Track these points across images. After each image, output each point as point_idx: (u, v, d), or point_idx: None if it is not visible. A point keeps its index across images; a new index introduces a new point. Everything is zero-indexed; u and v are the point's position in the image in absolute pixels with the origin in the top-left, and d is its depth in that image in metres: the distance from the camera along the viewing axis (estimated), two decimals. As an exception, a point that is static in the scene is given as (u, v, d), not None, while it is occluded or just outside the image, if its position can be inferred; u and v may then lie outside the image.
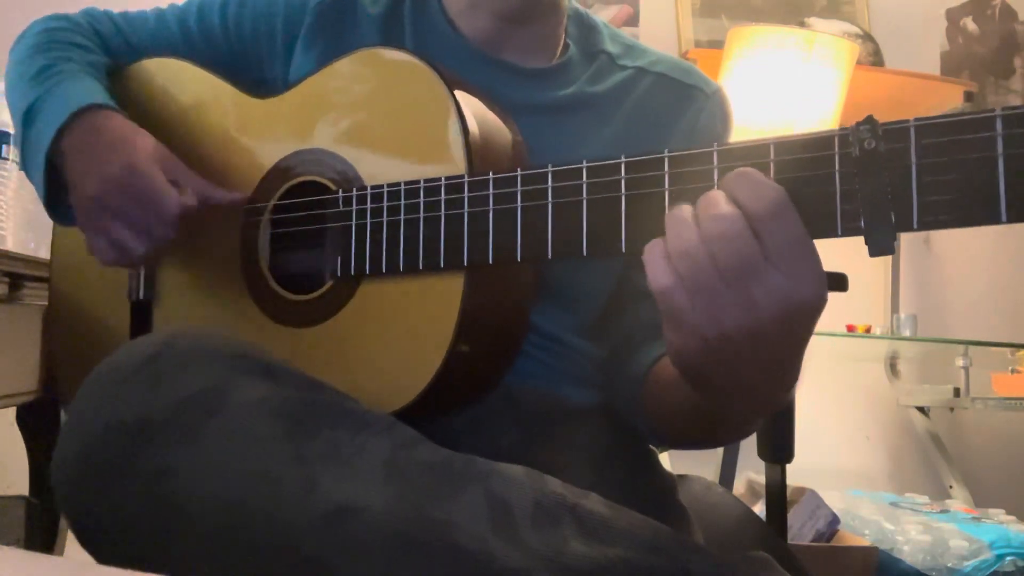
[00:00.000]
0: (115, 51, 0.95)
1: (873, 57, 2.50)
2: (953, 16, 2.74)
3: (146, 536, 0.56)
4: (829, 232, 0.54)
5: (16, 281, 1.01)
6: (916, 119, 0.52)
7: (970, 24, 2.73)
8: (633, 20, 2.51)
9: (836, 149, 0.54)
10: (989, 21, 2.73)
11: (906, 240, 2.59)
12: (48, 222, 1.00)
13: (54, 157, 0.82)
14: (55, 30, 0.92)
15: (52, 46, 0.89)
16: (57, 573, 0.37)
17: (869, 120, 0.53)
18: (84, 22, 0.95)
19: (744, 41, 2.06)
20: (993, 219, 0.50)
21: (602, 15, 2.46)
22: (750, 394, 0.59)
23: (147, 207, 0.78)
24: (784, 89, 2.00)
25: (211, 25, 0.93)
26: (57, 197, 0.85)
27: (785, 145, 0.55)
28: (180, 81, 0.92)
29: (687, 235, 0.53)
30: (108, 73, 0.92)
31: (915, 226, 0.51)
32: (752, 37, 2.05)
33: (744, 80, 2.04)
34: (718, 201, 0.53)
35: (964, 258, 2.63)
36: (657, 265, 0.54)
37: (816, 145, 0.54)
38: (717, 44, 2.32)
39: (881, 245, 0.52)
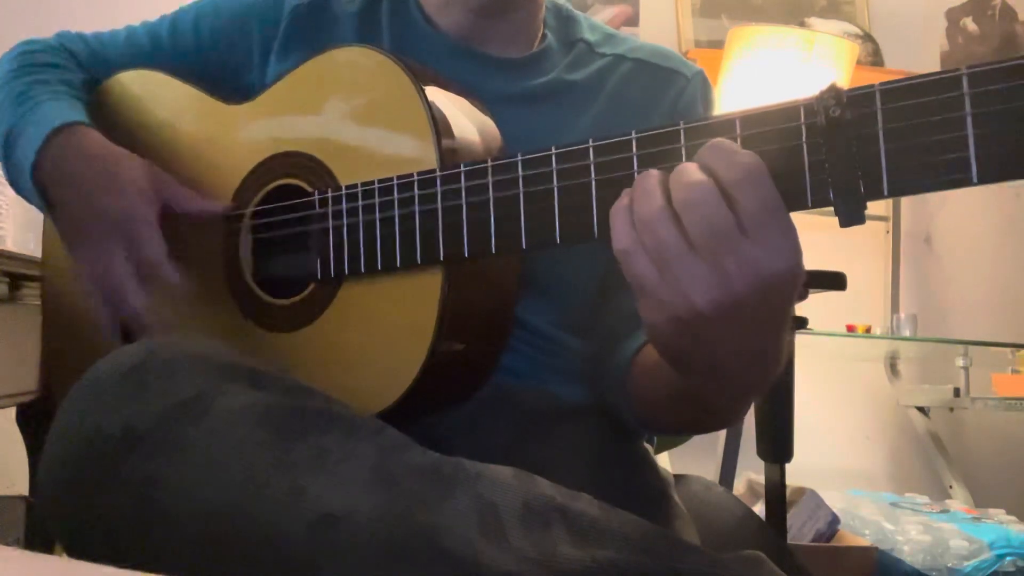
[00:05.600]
0: (90, 69, 0.96)
1: (873, 57, 2.50)
2: (953, 16, 2.75)
3: (132, 545, 0.56)
4: (799, 204, 0.53)
5: (16, 281, 1.01)
6: (881, 83, 0.51)
7: (970, 24, 2.73)
8: (633, 20, 2.51)
9: (802, 119, 0.53)
10: (989, 21, 2.74)
11: (906, 240, 2.59)
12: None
13: (39, 181, 0.83)
14: (29, 53, 0.93)
15: (27, 70, 0.90)
16: (57, 573, 0.37)
17: (833, 87, 0.52)
18: (57, 44, 0.96)
19: (744, 41, 2.06)
20: (964, 181, 0.48)
21: (602, 15, 2.47)
22: (730, 376, 0.58)
23: (131, 250, 0.79)
24: (784, 89, 2.00)
25: (185, 38, 0.93)
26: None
27: (752, 119, 0.54)
28: (155, 91, 0.92)
29: (649, 203, 0.53)
30: (87, 88, 0.93)
31: (885, 193, 0.50)
32: (752, 37, 2.05)
33: (744, 80, 2.04)
34: (689, 170, 0.52)
35: (964, 258, 2.63)
36: (620, 227, 0.54)
37: (782, 116, 0.54)
38: (717, 44, 2.32)
39: (851, 215, 0.51)
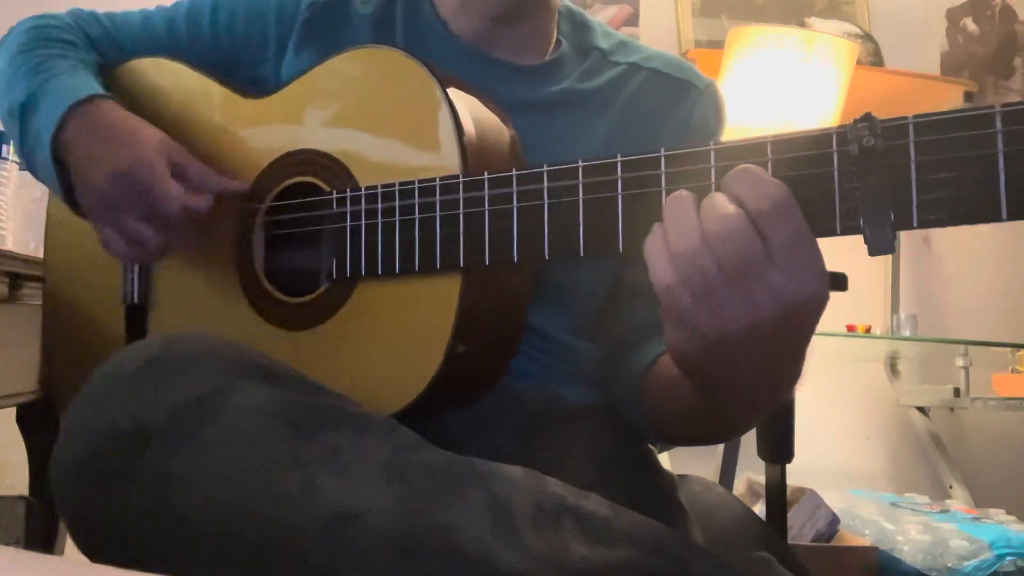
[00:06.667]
0: (103, 51, 0.95)
1: (873, 57, 2.50)
2: (953, 16, 2.74)
3: (146, 541, 0.56)
4: (828, 231, 0.53)
5: (16, 281, 1.01)
6: (915, 116, 0.51)
7: (970, 24, 2.73)
8: (633, 20, 2.51)
9: (834, 147, 0.53)
10: (989, 21, 2.73)
11: (906, 240, 2.59)
12: (48, 222, 1.00)
13: (56, 150, 0.82)
14: (45, 27, 0.92)
15: (44, 43, 0.89)
16: (57, 573, 0.37)
17: (868, 117, 0.52)
18: (72, 21, 0.95)
19: (744, 41, 2.06)
20: (993, 217, 0.49)
21: (602, 15, 2.46)
22: (750, 392, 0.58)
23: (152, 200, 0.78)
24: (784, 89, 2.00)
25: (201, 27, 0.92)
26: (71, 189, 0.84)
27: (783, 143, 0.55)
28: (171, 81, 0.91)
29: (689, 237, 0.52)
30: (99, 72, 0.92)
31: (914, 224, 0.51)
32: (752, 37, 2.05)
33: (744, 80, 2.04)
34: (721, 202, 0.52)
35: (964, 258, 2.63)
36: (660, 263, 0.54)
37: (814, 143, 0.54)
38: (717, 44, 2.32)
39: (881, 244, 0.51)
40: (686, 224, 0.53)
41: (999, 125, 0.49)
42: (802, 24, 2.37)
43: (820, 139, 0.54)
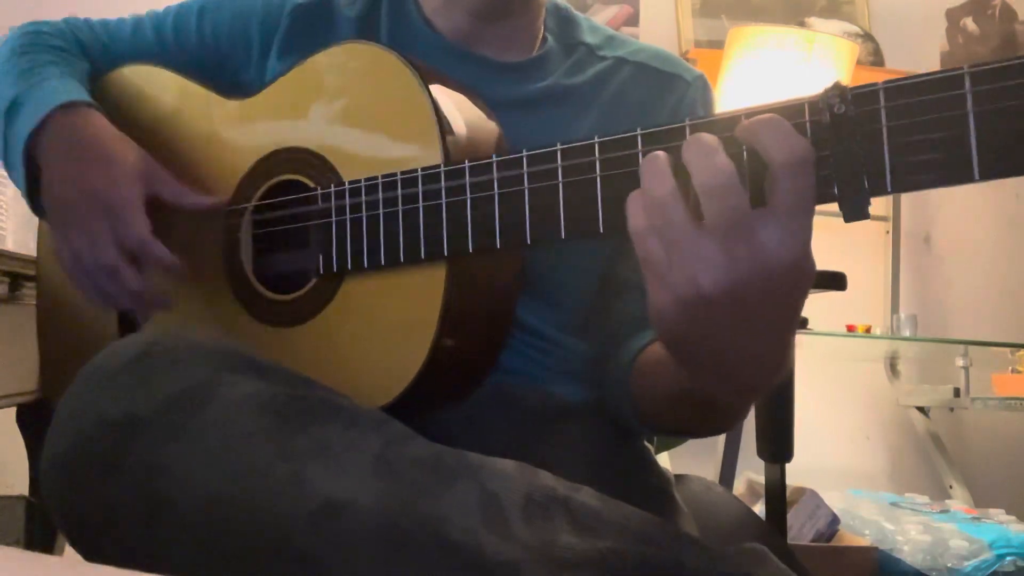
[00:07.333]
0: (95, 58, 0.96)
1: (873, 57, 2.50)
2: (953, 16, 2.75)
3: (136, 533, 0.56)
4: None
5: (16, 281, 1.01)
6: (885, 81, 0.52)
7: (970, 24, 2.73)
8: (633, 20, 2.51)
9: (807, 117, 0.53)
10: (989, 21, 2.73)
11: (906, 240, 2.59)
12: (48, 222, 1.00)
13: (33, 151, 0.82)
14: (38, 34, 0.93)
15: (36, 49, 0.90)
16: (56, 573, 0.37)
17: (837, 85, 0.52)
18: (66, 28, 0.96)
19: (744, 41, 2.06)
20: (966, 178, 0.49)
21: (602, 15, 2.47)
22: (733, 371, 0.58)
23: (117, 227, 0.78)
24: (784, 89, 2.00)
25: (188, 32, 0.93)
26: (37, 189, 0.84)
27: (756, 115, 0.55)
28: (157, 87, 0.92)
29: (662, 184, 0.53)
30: (89, 79, 0.93)
31: (889, 189, 0.51)
32: (752, 37, 2.05)
33: (744, 80, 2.04)
34: (715, 151, 0.52)
35: (964, 258, 2.63)
36: (634, 209, 0.54)
37: (787, 114, 0.54)
38: (717, 44, 2.32)
39: (855, 211, 0.52)
40: (659, 172, 0.53)
41: (968, 86, 0.49)
42: (802, 24, 2.37)
43: (792, 109, 0.54)
